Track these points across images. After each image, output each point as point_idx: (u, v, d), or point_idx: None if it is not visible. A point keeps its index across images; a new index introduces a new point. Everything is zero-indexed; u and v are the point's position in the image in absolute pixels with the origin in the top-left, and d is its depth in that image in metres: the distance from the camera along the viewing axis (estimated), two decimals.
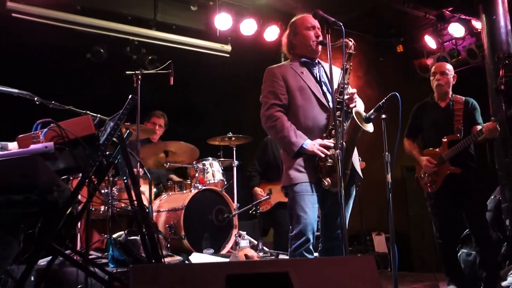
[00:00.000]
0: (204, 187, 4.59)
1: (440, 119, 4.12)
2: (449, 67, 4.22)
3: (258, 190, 5.01)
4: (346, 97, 2.87)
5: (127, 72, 4.22)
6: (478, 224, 4.01)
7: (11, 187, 2.16)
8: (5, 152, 2.37)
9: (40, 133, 2.34)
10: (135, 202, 2.81)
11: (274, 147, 5.14)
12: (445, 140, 4.00)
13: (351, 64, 2.91)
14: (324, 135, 2.92)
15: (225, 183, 4.91)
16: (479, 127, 3.89)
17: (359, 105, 3.05)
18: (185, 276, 1.50)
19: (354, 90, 2.96)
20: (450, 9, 6.27)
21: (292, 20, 3.21)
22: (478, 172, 4.05)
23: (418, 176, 4.18)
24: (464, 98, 4.14)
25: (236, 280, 1.50)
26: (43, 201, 2.33)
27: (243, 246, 4.44)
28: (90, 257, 3.68)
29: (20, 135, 2.53)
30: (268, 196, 4.79)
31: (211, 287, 1.46)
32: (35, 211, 2.60)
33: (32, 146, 2.23)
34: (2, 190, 2.18)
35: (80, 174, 3.34)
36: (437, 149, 4.04)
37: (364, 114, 2.89)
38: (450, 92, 4.17)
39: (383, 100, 2.93)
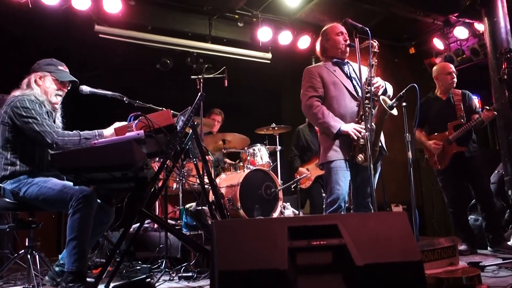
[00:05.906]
0: (254, 168, 4.64)
1: (444, 109, 4.11)
2: None
3: (303, 170, 5.06)
4: (373, 88, 2.86)
5: (192, 77, 4.30)
6: (482, 194, 3.98)
7: (113, 166, 2.25)
8: (108, 139, 2.51)
9: (132, 123, 2.46)
10: (205, 178, 2.90)
11: (306, 134, 5.22)
12: (451, 124, 4.00)
13: (376, 60, 2.88)
14: (356, 119, 2.93)
15: (271, 164, 4.95)
16: (476, 116, 3.90)
17: (388, 88, 3.04)
18: (256, 227, 1.57)
19: (379, 79, 2.92)
20: (456, 14, 6.08)
21: (324, 28, 3.20)
22: (480, 151, 4.05)
23: (427, 157, 4.14)
24: (460, 91, 4.13)
25: (295, 231, 1.56)
26: (136, 177, 2.45)
27: (287, 214, 4.51)
28: None
29: (117, 126, 2.67)
30: (308, 173, 4.84)
31: (277, 236, 1.51)
32: (129, 186, 2.74)
33: (128, 134, 2.35)
34: (106, 168, 2.28)
35: (157, 159, 3.45)
36: (444, 133, 4.02)
37: (389, 101, 2.88)
38: None
39: (403, 91, 2.88)
